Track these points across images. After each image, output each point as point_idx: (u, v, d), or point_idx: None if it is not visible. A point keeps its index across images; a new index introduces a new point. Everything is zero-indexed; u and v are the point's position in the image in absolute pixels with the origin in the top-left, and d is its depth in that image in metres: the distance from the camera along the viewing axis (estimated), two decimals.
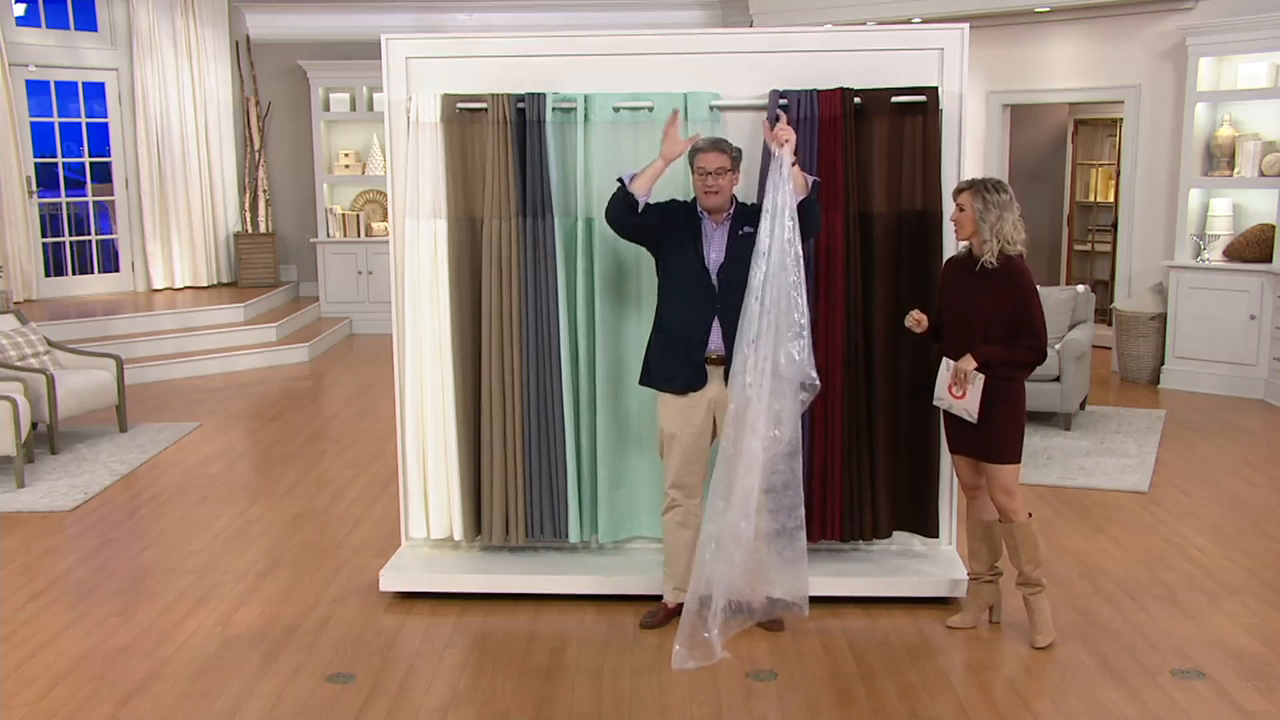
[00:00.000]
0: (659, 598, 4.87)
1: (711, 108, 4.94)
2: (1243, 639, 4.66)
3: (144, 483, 6.93)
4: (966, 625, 4.72)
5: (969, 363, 4.43)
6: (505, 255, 4.97)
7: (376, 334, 11.50)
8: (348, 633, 4.79)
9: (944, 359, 4.53)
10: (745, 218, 4.59)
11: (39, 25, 11.26)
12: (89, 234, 11.80)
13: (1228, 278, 8.90)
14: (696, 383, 4.60)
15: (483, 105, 4.94)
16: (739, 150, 4.59)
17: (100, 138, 11.72)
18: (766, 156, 4.86)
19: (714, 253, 4.58)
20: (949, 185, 4.77)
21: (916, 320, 4.61)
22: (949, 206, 4.64)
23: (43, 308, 10.49)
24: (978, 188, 4.42)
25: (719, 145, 4.55)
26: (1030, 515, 4.59)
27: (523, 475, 5.08)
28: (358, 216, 12.23)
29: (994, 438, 4.49)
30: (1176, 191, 9.35)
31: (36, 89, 11.27)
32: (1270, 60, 8.81)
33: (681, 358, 4.60)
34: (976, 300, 4.46)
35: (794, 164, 4.44)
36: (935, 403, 4.59)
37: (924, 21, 8.61)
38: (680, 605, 4.62)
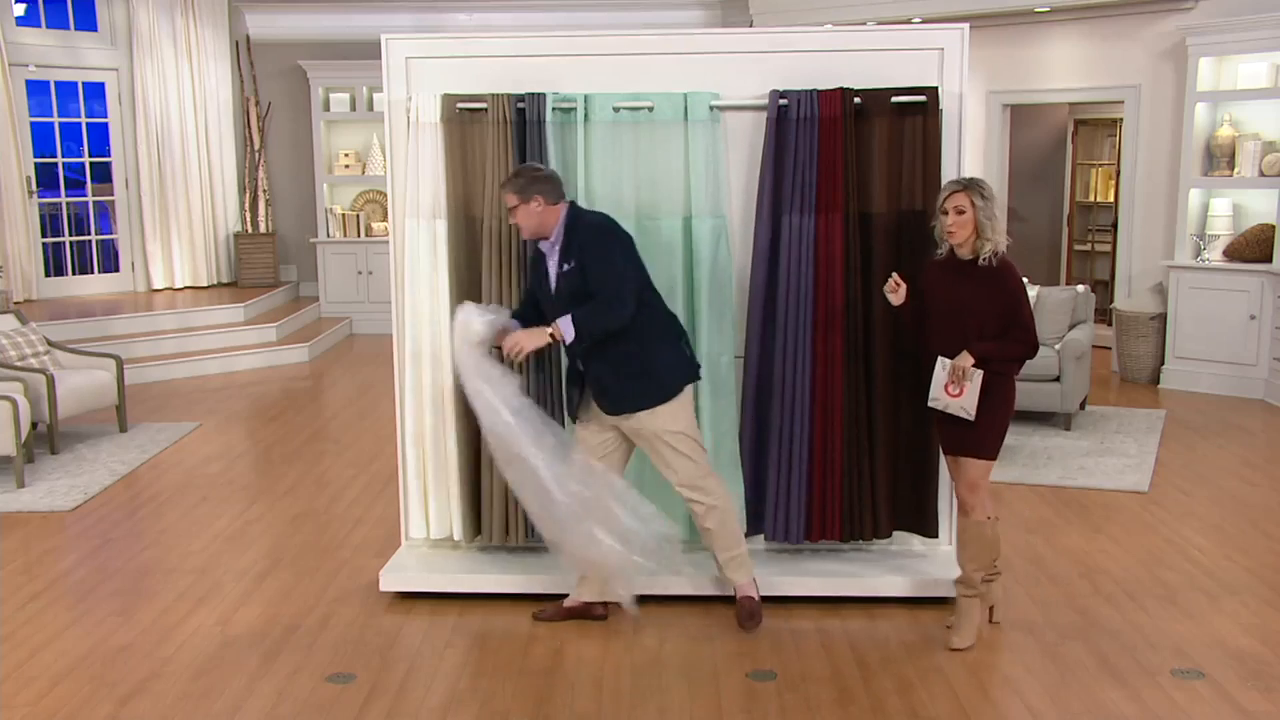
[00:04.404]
0: (657, 597, 4.87)
1: (711, 108, 4.94)
2: (1243, 639, 4.66)
3: (144, 483, 6.93)
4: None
5: (967, 359, 4.42)
6: (505, 255, 4.96)
7: (376, 334, 11.50)
8: (348, 633, 4.79)
9: (940, 358, 4.52)
10: (569, 249, 4.51)
11: (39, 25, 11.26)
12: (89, 234, 11.80)
13: (1228, 278, 8.90)
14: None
15: (483, 105, 4.94)
16: (525, 180, 4.49)
17: (100, 138, 11.72)
18: (769, 157, 4.88)
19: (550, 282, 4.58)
20: None
21: (896, 284, 4.57)
22: None
23: (43, 308, 10.49)
24: (973, 188, 4.42)
25: (505, 185, 4.56)
26: (990, 518, 4.59)
27: None
28: (358, 216, 12.24)
29: (976, 432, 4.51)
30: (1176, 191, 9.35)
31: (36, 89, 11.27)
32: (1270, 60, 8.81)
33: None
34: (968, 300, 4.45)
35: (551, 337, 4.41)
36: (930, 404, 4.57)
37: (924, 21, 8.61)
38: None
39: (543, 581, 5.02)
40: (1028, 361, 4.59)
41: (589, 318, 4.40)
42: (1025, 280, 8.72)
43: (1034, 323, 4.49)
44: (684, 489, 4.63)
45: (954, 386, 4.47)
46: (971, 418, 4.46)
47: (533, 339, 4.42)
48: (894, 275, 4.60)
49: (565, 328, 4.40)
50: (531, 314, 4.63)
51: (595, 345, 4.46)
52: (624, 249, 4.52)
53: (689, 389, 4.62)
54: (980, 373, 4.42)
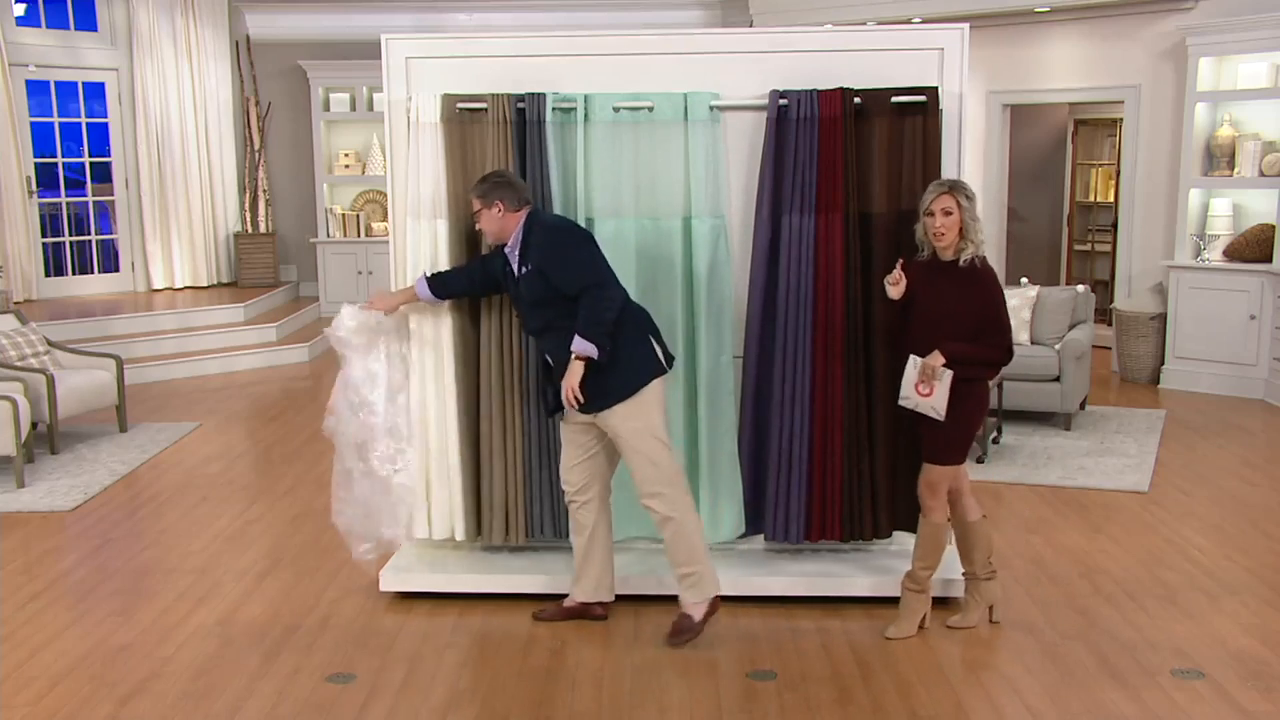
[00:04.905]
0: (658, 597, 4.86)
1: (711, 108, 4.94)
2: (1243, 639, 4.66)
3: (144, 483, 6.93)
4: (968, 625, 4.72)
5: (937, 359, 4.42)
6: None
7: None
8: (348, 632, 4.79)
9: (911, 357, 4.52)
10: (526, 253, 4.54)
11: (39, 25, 11.26)
12: (89, 234, 11.80)
13: (1227, 278, 8.90)
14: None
15: (483, 105, 4.93)
16: (488, 185, 4.54)
17: (100, 138, 11.72)
18: (769, 157, 4.88)
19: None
20: None
21: (898, 278, 4.54)
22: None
23: (43, 308, 10.49)
24: (958, 189, 4.43)
25: (471, 190, 4.66)
26: (947, 520, 4.62)
27: (523, 475, 5.08)
28: (358, 216, 12.24)
29: (938, 438, 4.51)
30: (1176, 191, 9.35)
31: (36, 89, 11.27)
32: (1270, 60, 8.81)
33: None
34: (947, 300, 4.46)
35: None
36: (901, 403, 4.56)
37: (924, 21, 8.61)
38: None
39: (542, 582, 5.02)
40: (1035, 365, 4.58)
41: (588, 321, 4.38)
42: (1025, 280, 8.76)
43: (1009, 328, 4.49)
44: (642, 495, 4.54)
45: (924, 386, 4.46)
46: (941, 417, 4.45)
47: (574, 376, 4.42)
48: (898, 266, 4.59)
49: (582, 347, 4.39)
50: (462, 281, 4.83)
51: (561, 342, 4.44)
52: (582, 243, 4.53)
53: (657, 390, 4.51)
54: (950, 372, 4.41)
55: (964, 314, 4.45)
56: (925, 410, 4.48)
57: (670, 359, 4.64)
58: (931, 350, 4.44)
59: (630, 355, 4.49)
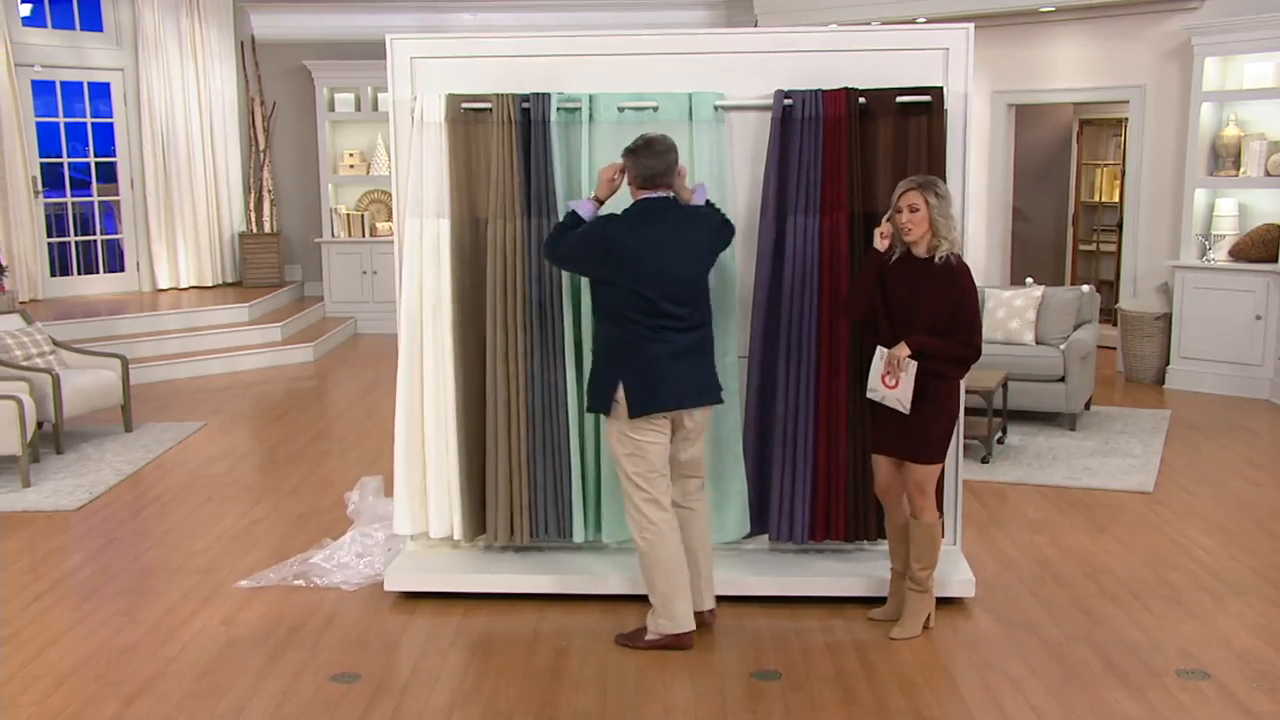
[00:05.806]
0: None
1: (716, 108, 4.94)
2: (1248, 639, 4.65)
3: (149, 482, 6.94)
4: (908, 635, 4.65)
5: (903, 349, 4.42)
6: (510, 255, 4.96)
7: (381, 334, 11.52)
8: (352, 632, 4.79)
9: (879, 348, 4.53)
10: None
11: (45, 25, 11.28)
12: (94, 234, 11.82)
13: (1233, 278, 8.89)
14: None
15: (487, 105, 4.94)
16: (630, 146, 4.50)
17: (105, 138, 11.74)
18: (774, 157, 4.87)
19: None
20: (954, 185, 4.77)
21: (886, 232, 4.51)
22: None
23: (48, 307, 10.51)
24: (927, 187, 4.41)
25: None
26: (940, 517, 4.61)
27: (527, 475, 5.07)
28: (362, 216, 12.25)
29: (919, 437, 4.50)
30: (1182, 191, 9.34)
31: (42, 89, 11.29)
32: (1276, 60, 8.80)
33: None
34: (920, 296, 4.45)
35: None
36: (869, 395, 4.59)
37: (929, 21, 8.60)
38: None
39: (547, 582, 5.02)
40: (1040, 365, 4.57)
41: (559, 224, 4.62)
42: (1030, 280, 8.75)
43: (980, 327, 4.50)
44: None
45: (890, 377, 4.47)
46: (906, 410, 4.45)
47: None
48: (884, 220, 4.53)
49: (580, 206, 4.56)
50: None
51: (597, 327, 4.62)
52: (584, 231, 4.49)
53: (638, 424, 4.40)
54: (914, 364, 4.41)
55: (937, 310, 4.44)
56: (891, 403, 4.49)
57: (656, 406, 4.42)
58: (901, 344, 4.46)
59: (597, 377, 4.55)
